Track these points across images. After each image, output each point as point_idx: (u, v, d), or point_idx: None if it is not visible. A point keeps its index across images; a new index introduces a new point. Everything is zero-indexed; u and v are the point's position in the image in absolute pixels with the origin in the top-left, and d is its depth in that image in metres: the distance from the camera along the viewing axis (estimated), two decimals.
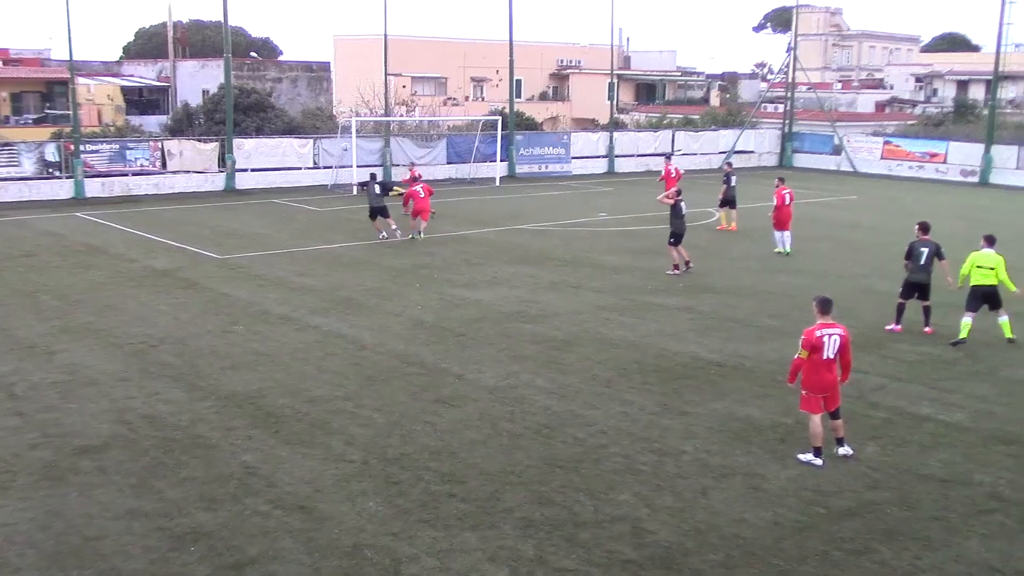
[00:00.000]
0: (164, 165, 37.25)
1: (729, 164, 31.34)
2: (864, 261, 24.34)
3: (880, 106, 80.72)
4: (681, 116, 63.17)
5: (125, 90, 59.92)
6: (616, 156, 48.84)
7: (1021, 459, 11.50)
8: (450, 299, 19.37)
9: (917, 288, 16.99)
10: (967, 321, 16.30)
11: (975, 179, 46.60)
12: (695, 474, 10.88)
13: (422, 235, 26.35)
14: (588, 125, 64.19)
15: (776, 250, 25.30)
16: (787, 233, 25.35)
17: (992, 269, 16.15)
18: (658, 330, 17.16)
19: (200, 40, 76.17)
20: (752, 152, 54.13)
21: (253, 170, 38.77)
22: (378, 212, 26.13)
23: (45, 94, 58.11)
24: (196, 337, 16.30)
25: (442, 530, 9.45)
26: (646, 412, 12.85)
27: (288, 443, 11.60)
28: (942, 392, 13.96)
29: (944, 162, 48.56)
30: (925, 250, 16.82)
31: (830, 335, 11.10)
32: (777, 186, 25.74)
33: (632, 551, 9.11)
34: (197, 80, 59.43)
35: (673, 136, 52.09)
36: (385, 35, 43.09)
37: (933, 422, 12.71)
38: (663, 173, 31.34)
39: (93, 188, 35.36)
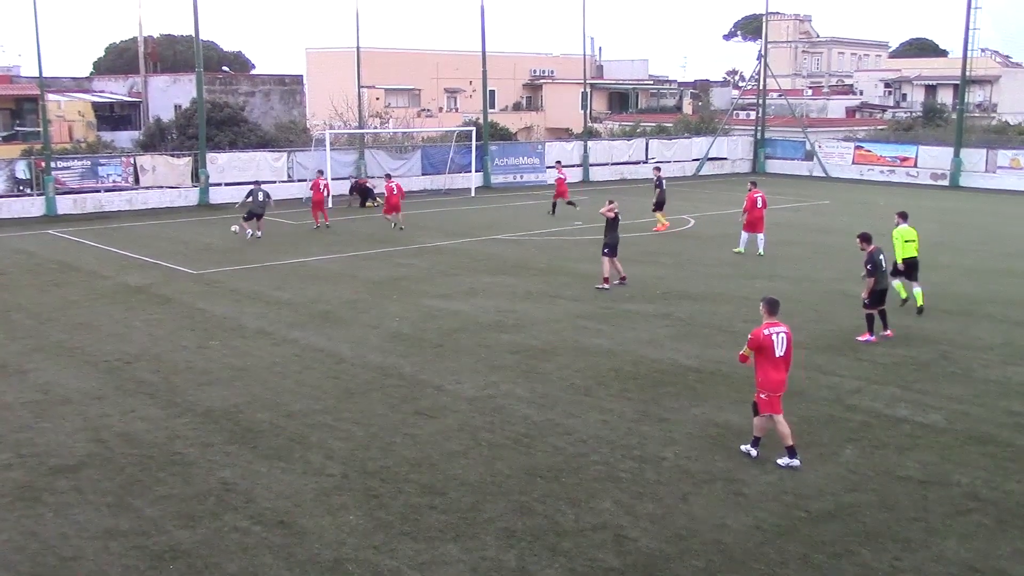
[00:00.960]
0: (137, 181, 37.02)
1: (658, 169, 32.28)
2: (837, 265, 24.51)
3: (850, 111, 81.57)
4: (654, 124, 63.54)
5: (96, 106, 59.48)
6: (591, 165, 48.99)
7: (997, 459, 11.59)
8: (427, 310, 19.33)
9: (884, 295, 17.14)
10: (899, 283, 18.99)
11: (945, 182, 47.12)
12: (676, 480, 10.89)
13: (402, 227, 30.35)
14: (562, 134, 64.39)
15: (736, 250, 25.81)
16: (760, 236, 25.60)
17: (914, 241, 18.86)
18: (635, 337, 17.19)
19: (171, 55, 75.84)
20: (725, 159, 54.55)
21: (227, 184, 38.58)
22: (257, 216, 28.94)
23: (15, 111, 57.55)
24: (172, 353, 16.17)
25: (423, 542, 9.40)
26: (625, 420, 12.85)
27: (266, 458, 11.51)
28: (918, 394, 14.05)
29: (915, 166, 49.08)
30: (883, 256, 17.00)
31: (777, 333, 11.21)
32: (750, 189, 25.91)
33: (614, 559, 9.10)
34: (169, 95, 59.14)
35: (647, 144, 52.37)
36: (358, 47, 43.10)
37: (910, 424, 12.79)
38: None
39: (65, 205, 35.08)
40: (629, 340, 16.98)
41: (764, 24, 57.30)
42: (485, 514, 10.01)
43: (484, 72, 45.55)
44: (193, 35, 39.21)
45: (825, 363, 15.56)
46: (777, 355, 11.17)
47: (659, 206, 30.21)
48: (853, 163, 51.48)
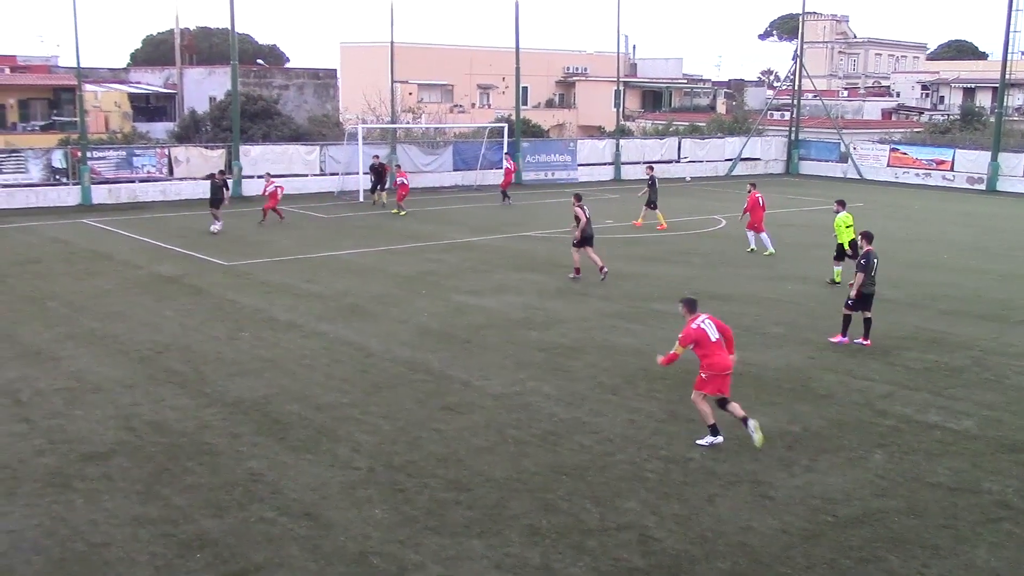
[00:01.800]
0: (171, 172, 37.35)
1: (651, 167, 32.71)
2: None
3: (886, 113, 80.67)
4: (687, 123, 63.23)
5: (132, 97, 60.14)
6: (622, 163, 48.83)
7: None
8: (456, 306, 19.36)
9: (869, 299, 16.70)
10: (838, 269, 21.49)
11: (982, 186, 46.53)
12: (702, 481, 10.84)
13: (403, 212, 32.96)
14: (594, 132, 64.24)
15: (749, 248, 26.03)
16: (764, 235, 26.00)
17: (852, 227, 21.11)
18: (664, 337, 17.10)
19: (207, 47, 76.43)
20: (759, 159, 54.16)
21: (259, 176, 38.83)
22: (216, 204, 29.17)
23: (52, 101, 58.35)
24: (202, 343, 16.31)
25: (448, 537, 9.42)
26: (653, 419, 12.82)
27: (294, 450, 11.59)
28: (949, 400, 13.91)
29: (951, 169, 48.50)
30: (876, 260, 16.78)
31: (704, 321, 11.87)
32: (750, 191, 26.16)
33: (639, 559, 9.08)
34: (204, 87, 59.62)
35: (679, 143, 52.10)
36: (391, 42, 43.19)
37: (941, 429, 12.66)
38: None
39: (100, 195, 35.46)
40: (658, 339, 16.91)
41: (800, 24, 56.79)
42: (510, 511, 10.02)
43: (517, 68, 45.54)
44: (229, 28, 39.52)
45: (856, 367, 15.43)
46: (714, 339, 11.73)
47: (652, 204, 30.56)
48: (888, 166, 50.99)
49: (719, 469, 11.18)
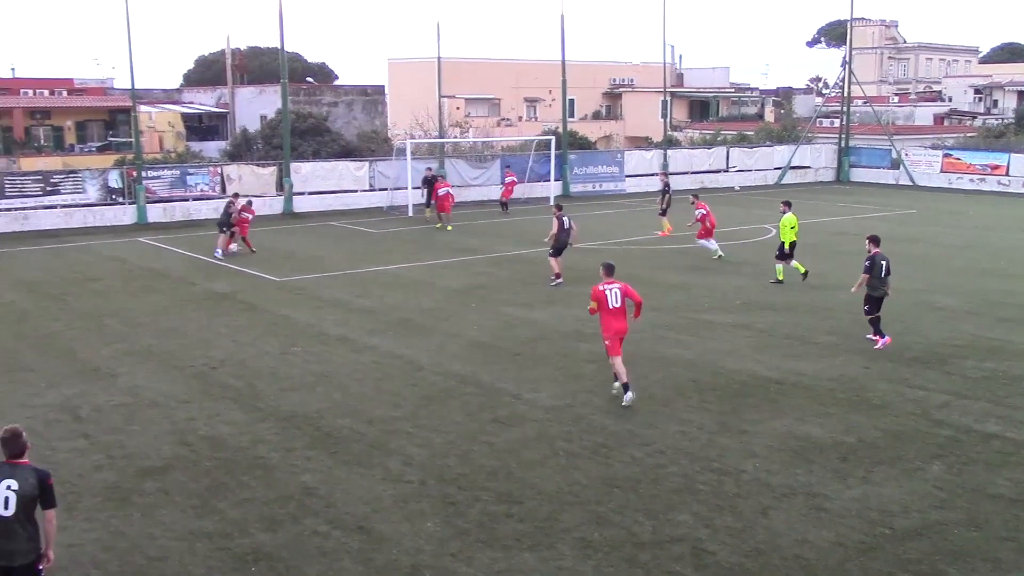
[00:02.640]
0: (224, 190, 37.85)
1: (665, 175, 33.48)
2: (924, 276, 23.88)
3: (938, 119, 79.42)
4: (735, 132, 62.74)
5: (185, 117, 61.16)
6: (670, 174, 48.49)
7: None
8: (506, 319, 19.37)
9: (878, 302, 16.97)
10: (780, 267, 22.72)
11: None
12: (755, 494, 10.71)
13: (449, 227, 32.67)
14: (642, 143, 64.01)
15: (717, 255, 26.38)
16: (711, 240, 26.68)
17: (795, 228, 22.49)
18: (715, 348, 16.98)
19: (258, 66, 77.58)
20: (808, 167, 53.54)
21: (310, 193, 39.26)
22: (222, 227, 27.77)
23: (108, 122, 59.58)
24: (255, 359, 16.49)
25: (500, 551, 9.41)
26: (704, 431, 12.70)
27: (346, 464, 11.66)
28: (1009, 409, 13.60)
29: (1006, 174, 47.57)
30: (884, 263, 16.93)
31: (611, 289, 13.72)
32: (693, 202, 26.84)
33: (693, 572, 8.99)
34: (255, 106, 60.44)
35: (728, 153, 51.70)
36: (439, 58, 43.46)
37: (1000, 439, 12.38)
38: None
39: (155, 213, 36.06)
40: (709, 350, 16.79)
41: (849, 30, 56.19)
42: (562, 524, 9.97)
43: (564, 81, 45.53)
44: (279, 47, 40.06)
45: (911, 376, 15.16)
46: (611, 306, 13.67)
47: (663, 212, 31.22)
48: (941, 171, 50.15)
49: (773, 481, 11.04)
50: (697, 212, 26.69)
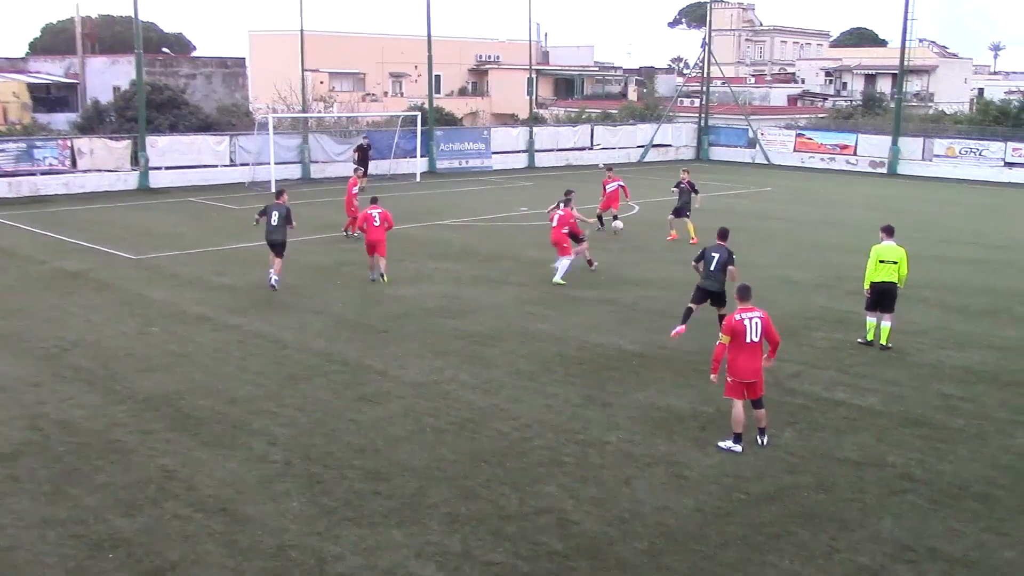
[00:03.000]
0: (74, 164, 36.20)
1: (687, 171, 27.38)
2: (780, 251, 24.85)
3: (792, 100, 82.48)
4: (600, 111, 63.73)
5: (32, 87, 58.14)
6: (536, 151, 48.99)
7: (930, 440, 11.88)
8: (371, 296, 19.23)
9: (708, 295, 15.95)
10: (871, 321, 15.99)
11: (884, 170, 47.94)
12: (619, 464, 10.99)
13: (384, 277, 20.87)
14: (508, 120, 64.28)
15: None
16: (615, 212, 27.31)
17: (895, 263, 15.60)
18: (580, 323, 17.28)
19: (110, 36, 74.32)
20: (670, 146, 54.87)
21: (167, 168, 37.96)
22: (272, 246, 19.97)
23: None
24: (111, 340, 15.90)
25: (367, 528, 9.38)
26: (570, 404, 12.93)
27: (208, 445, 11.39)
28: (855, 377, 14.33)
29: (854, 154, 49.85)
30: (716, 256, 15.71)
31: (751, 318, 11.28)
32: (609, 173, 27.75)
33: (558, 542, 9.17)
34: (107, 77, 57.96)
35: (592, 130, 52.49)
36: (301, 30, 42.50)
37: (847, 407, 13.05)
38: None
39: None
40: (574, 325, 17.07)
41: (708, 12, 57.66)
42: (429, 499, 10.01)
43: (430, 56, 45.28)
44: (132, 15, 38.46)
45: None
46: (748, 340, 11.20)
47: (679, 212, 26.34)
48: (795, 151, 52.13)
49: (635, 452, 11.34)
50: (611, 186, 26.99)
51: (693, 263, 16.27)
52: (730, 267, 15.65)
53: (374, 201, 21.44)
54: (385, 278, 20.39)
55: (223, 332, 16.40)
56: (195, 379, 13.83)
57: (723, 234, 16.14)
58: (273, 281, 19.55)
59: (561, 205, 21.33)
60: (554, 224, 20.91)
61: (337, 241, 25.70)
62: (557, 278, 20.50)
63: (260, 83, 59.54)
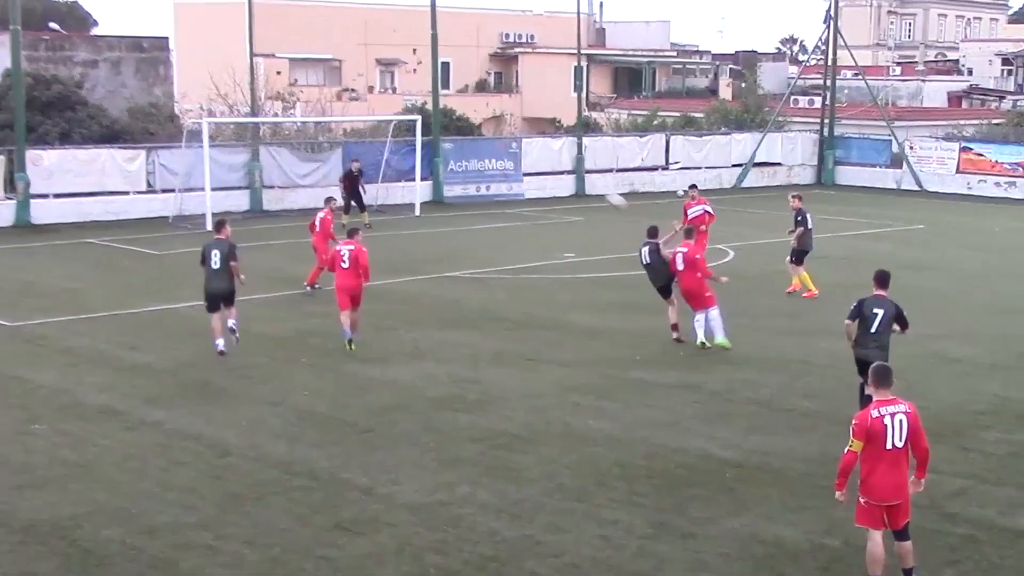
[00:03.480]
0: None
1: (798, 197, 27.94)
2: (936, 316, 24.75)
3: (955, 98, 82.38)
4: (678, 113, 63.70)
5: None
6: (587, 172, 49.03)
7: None
8: (352, 380, 19.44)
9: (806, 254, 16.74)
10: None
11: None
12: None
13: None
14: (546, 128, 64.77)
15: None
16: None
17: None
18: (650, 418, 17.36)
19: None
20: (779, 165, 54.68)
21: (57, 196, 38.29)
22: (214, 299, 20.92)
23: None
24: None
25: None
26: (635, 535, 13.01)
27: None
28: None
29: None
30: (880, 312, 16.28)
31: (893, 414, 11.14)
32: (692, 196, 28.68)
33: None
34: None
35: (667, 142, 52.44)
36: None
37: None
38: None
39: None
40: (641, 422, 17.15)
41: None
42: None
43: (434, 36, 45.54)
44: None
45: None
46: (889, 445, 11.11)
47: (799, 256, 26.79)
48: (958, 171, 52.01)
49: None
50: (693, 211, 27.53)
51: (847, 321, 16.58)
52: (901, 327, 16.16)
53: (352, 234, 21.86)
54: (352, 345, 20.97)
55: (138, 432, 16.60)
56: (97, 499, 14.00)
57: (883, 279, 16.56)
58: (221, 345, 20.28)
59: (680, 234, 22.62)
60: (680, 268, 21.58)
61: (301, 301, 26.00)
62: (720, 338, 21.36)
63: (190, 74, 60.37)
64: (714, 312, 21.33)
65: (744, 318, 24.34)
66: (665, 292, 22.05)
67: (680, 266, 21.37)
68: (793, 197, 27.52)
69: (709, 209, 28.27)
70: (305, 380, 19.40)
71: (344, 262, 21.16)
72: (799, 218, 26.68)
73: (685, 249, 21.46)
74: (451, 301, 26.08)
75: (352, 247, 21.26)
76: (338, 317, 21.34)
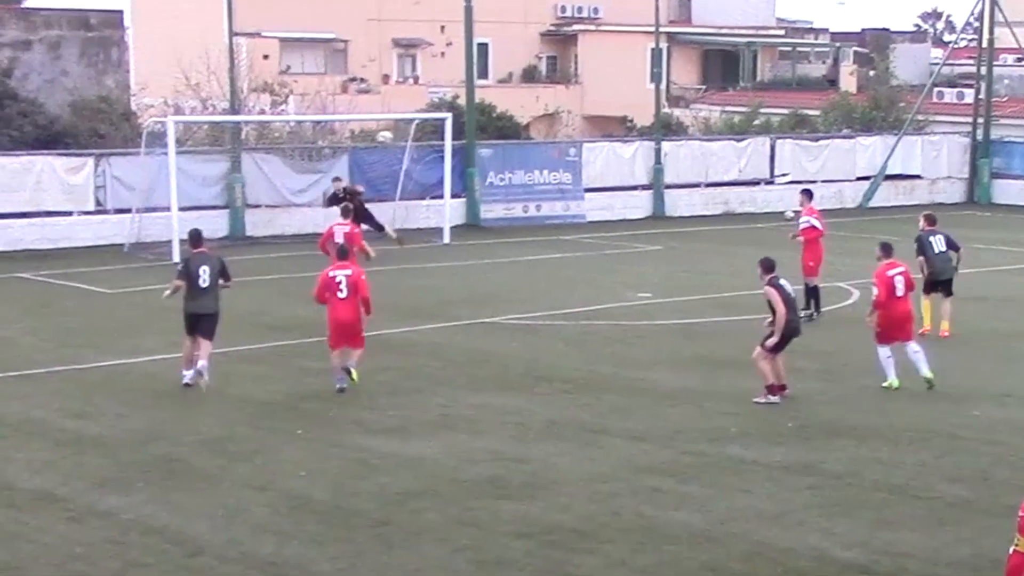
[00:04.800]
0: None
1: (931, 219, 27.53)
2: None
3: None
4: (787, 109, 63.56)
5: None
6: (667, 187, 49.01)
7: None
8: (361, 457, 19.51)
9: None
10: None
11: None
12: None
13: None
14: (615, 128, 64.82)
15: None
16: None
17: None
18: (750, 509, 17.36)
19: None
20: (919, 177, 54.48)
21: None
22: (194, 320, 22.57)
23: None
24: None
25: None
26: None
27: None
28: None
29: None
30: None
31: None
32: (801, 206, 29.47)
33: None
34: None
35: (772, 148, 52.50)
36: None
37: None
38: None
39: None
40: (737, 514, 17.15)
41: None
42: None
43: (468, 9, 45.74)
44: None
45: None
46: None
47: (930, 286, 26.65)
48: None
49: None
50: (803, 221, 28.31)
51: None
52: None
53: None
54: (354, 375, 21.78)
55: (85, 524, 16.70)
56: None
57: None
58: (188, 377, 21.27)
59: (879, 254, 22.38)
60: (900, 294, 22.29)
61: (295, 352, 26.11)
62: (924, 371, 23.02)
63: (152, 59, 60.83)
64: (914, 347, 22.84)
65: (870, 377, 24.28)
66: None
67: (902, 292, 21.74)
68: (923, 218, 27.42)
69: (819, 220, 29.11)
70: (300, 457, 19.51)
71: (341, 290, 21.48)
72: (916, 244, 26.45)
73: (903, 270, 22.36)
74: (490, 355, 26.13)
75: (349, 272, 21.60)
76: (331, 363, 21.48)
